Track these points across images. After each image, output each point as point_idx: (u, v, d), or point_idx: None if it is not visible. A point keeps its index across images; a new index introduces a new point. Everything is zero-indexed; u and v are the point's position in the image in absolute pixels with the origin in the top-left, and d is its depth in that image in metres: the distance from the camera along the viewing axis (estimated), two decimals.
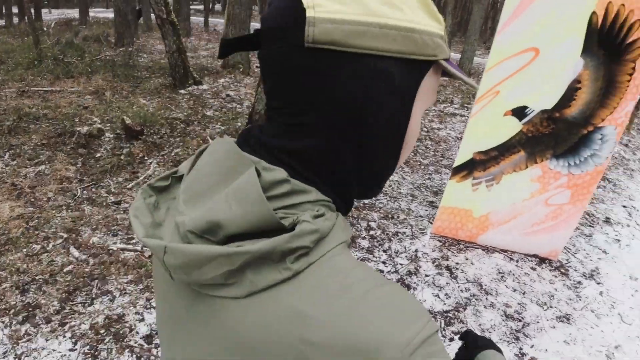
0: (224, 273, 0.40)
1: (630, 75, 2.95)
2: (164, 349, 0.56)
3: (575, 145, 3.12)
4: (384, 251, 3.51)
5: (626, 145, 7.82)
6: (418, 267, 3.33)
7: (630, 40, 2.84)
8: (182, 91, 6.87)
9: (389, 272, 3.27)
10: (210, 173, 0.46)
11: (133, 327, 2.46)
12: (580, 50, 2.92)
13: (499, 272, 3.41)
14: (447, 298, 3.07)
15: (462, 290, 3.17)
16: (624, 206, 5.17)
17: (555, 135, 3.08)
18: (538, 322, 2.96)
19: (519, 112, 3.00)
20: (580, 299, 3.26)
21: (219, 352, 0.43)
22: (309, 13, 0.40)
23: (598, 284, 3.51)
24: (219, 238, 0.41)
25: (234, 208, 0.41)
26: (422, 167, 5.36)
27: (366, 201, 4.20)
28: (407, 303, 0.40)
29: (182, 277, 0.42)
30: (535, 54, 2.92)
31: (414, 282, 3.17)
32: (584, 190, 3.25)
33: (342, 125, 0.44)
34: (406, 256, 3.46)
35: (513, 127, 3.05)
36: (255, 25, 8.10)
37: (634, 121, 9.29)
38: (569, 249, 3.87)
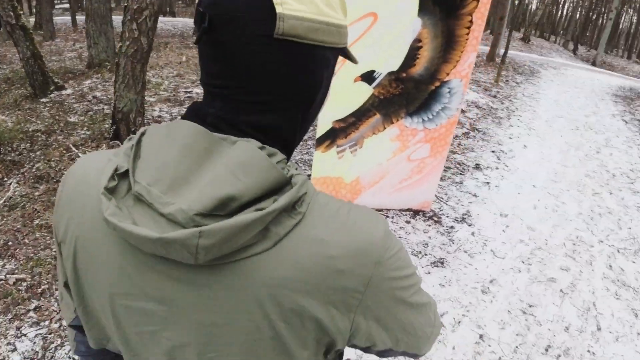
0: (255, 235, 0.47)
1: (468, 28, 3.14)
2: (149, 342, 0.57)
3: (426, 101, 3.30)
4: None
5: (495, 97, 8.52)
6: None
7: None
8: (44, 99, 6.27)
9: None
10: (181, 158, 0.49)
11: (7, 358, 2.25)
12: (416, 10, 3.05)
13: None
14: None
15: None
16: (493, 151, 5.64)
17: (405, 94, 3.23)
18: None
19: (368, 77, 3.10)
20: (453, 243, 3.51)
21: (252, 308, 0.50)
22: (279, 9, 0.47)
23: (470, 225, 3.80)
24: (231, 209, 0.46)
25: (244, 180, 0.47)
26: (301, 142, 5.43)
27: None
28: (367, 211, 0.55)
29: (215, 252, 0.46)
30: (374, 19, 3.02)
31: None
32: (441, 142, 3.46)
33: (297, 102, 0.55)
34: None
35: (365, 92, 3.15)
36: (117, 19, 7.55)
37: (502, 74, 10.15)
38: (442, 197, 4.14)
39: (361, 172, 3.50)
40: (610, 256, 3.84)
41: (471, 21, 3.14)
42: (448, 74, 3.25)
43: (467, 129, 6.27)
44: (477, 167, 5.04)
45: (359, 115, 3.22)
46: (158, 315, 0.53)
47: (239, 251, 0.47)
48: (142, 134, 0.53)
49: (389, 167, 3.49)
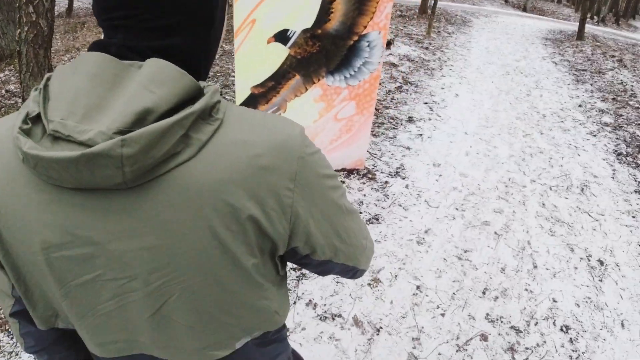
0: (177, 140, 0.47)
1: None
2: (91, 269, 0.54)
3: (346, 57, 3.20)
4: None
5: (427, 49, 8.54)
6: None
7: None
8: None
9: None
10: (92, 87, 0.48)
11: None
12: None
13: None
14: None
15: None
16: (426, 103, 5.67)
17: (323, 52, 3.11)
18: None
19: (282, 37, 2.95)
20: (387, 197, 3.51)
21: (190, 219, 0.50)
22: None
23: (404, 179, 3.81)
24: (149, 123, 0.46)
25: (158, 91, 0.47)
26: None
27: None
28: (282, 117, 0.58)
29: (140, 162, 0.45)
30: None
31: None
32: (367, 97, 3.39)
33: (199, 22, 0.56)
34: None
35: (280, 53, 3.00)
36: None
37: (433, 25, 10.16)
38: (375, 154, 4.12)
39: None
40: (543, 194, 3.98)
41: None
42: (365, 27, 3.15)
43: (400, 82, 6.26)
44: (410, 120, 5.06)
45: (278, 78, 3.08)
46: (96, 257, 0.52)
47: (165, 162, 0.48)
48: (48, 79, 0.52)
49: (316, 128, 3.40)
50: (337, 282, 2.63)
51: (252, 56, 2.91)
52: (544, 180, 4.23)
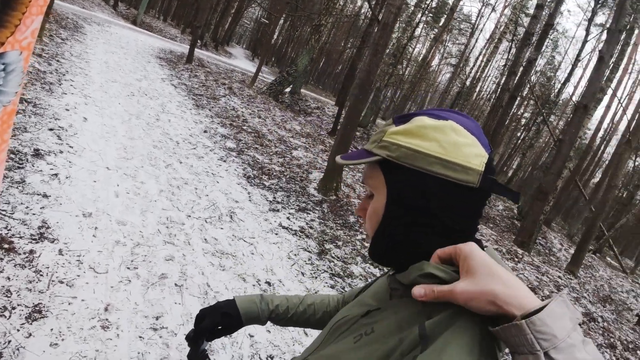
0: None
1: None
2: None
3: None
4: None
5: (40, 56, 7.09)
6: None
7: None
8: None
9: None
10: None
11: None
12: None
13: None
14: None
15: None
16: (51, 129, 4.68)
17: None
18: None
19: None
20: (42, 275, 2.64)
21: None
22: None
23: (53, 242, 2.98)
24: None
25: None
26: None
27: None
28: None
29: None
30: None
31: None
32: None
33: None
34: None
35: None
36: None
37: (46, 27, 8.51)
38: (5, 211, 3.06)
39: None
40: (202, 229, 4.02)
41: None
42: (3, 44, 2.24)
43: None
44: (38, 154, 4.04)
45: None
46: None
47: None
48: None
49: None
50: None
51: None
52: (197, 213, 4.30)
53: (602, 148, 27.92)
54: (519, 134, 29.85)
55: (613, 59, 10.65)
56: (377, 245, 0.75)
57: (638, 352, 5.21)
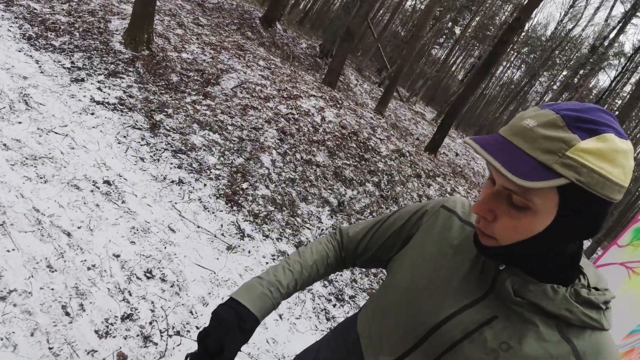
0: None
1: None
2: None
3: None
4: None
5: None
6: None
7: None
8: None
9: None
10: None
11: None
12: None
13: None
14: None
15: None
16: None
17: None
18: None
19: None
20: None
21: None
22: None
23: None
24: None
25: None
26: None
27: None
28: None
29: None
30: None
31: None
32: None
33: None
34: None
35: None
36: None
37: None
38: None
39: None
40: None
41: None
42: None
43: None
44: None
45: None
46: None
47: None
48: None
49: None
50: None
51: None
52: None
53: None
54: None
55: None
56: (513, 252, 0.70)
57: (437, 178, 6.40)
